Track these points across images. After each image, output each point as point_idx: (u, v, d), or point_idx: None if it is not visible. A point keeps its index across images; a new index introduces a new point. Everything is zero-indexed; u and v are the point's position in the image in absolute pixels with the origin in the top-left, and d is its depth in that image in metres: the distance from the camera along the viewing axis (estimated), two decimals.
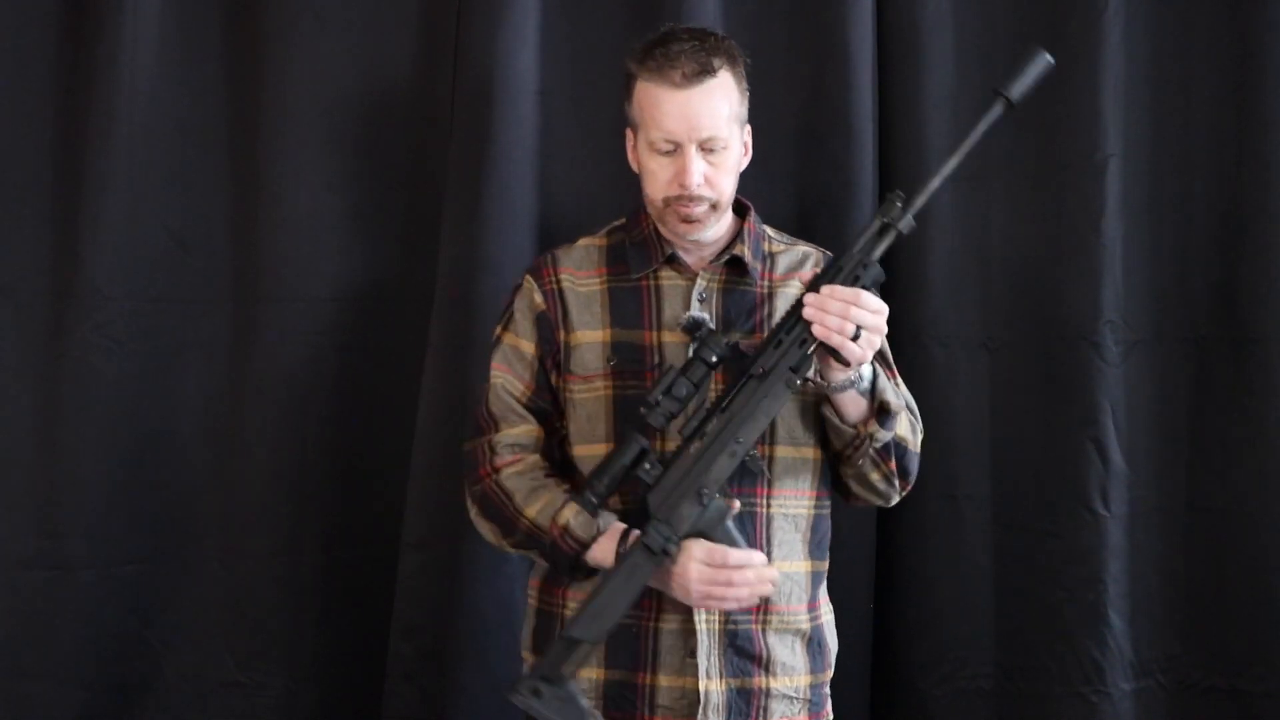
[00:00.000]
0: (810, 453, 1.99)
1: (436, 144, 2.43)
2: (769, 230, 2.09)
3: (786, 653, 1.98)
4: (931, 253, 2.51)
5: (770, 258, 2.05)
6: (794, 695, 1.99)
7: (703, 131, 1.91)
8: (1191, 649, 2.52)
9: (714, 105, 1.92)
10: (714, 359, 1.85)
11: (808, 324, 1.83)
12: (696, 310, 1.98)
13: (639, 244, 2.01)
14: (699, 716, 1.92)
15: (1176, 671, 2.52)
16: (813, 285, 1.86)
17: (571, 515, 1.90)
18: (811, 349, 1.84)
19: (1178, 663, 2.52)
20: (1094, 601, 2.47)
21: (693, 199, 1.93)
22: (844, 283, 1.84)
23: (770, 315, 2.00)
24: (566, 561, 1.91)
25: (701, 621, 1.93)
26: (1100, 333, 2.48)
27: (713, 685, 1.93)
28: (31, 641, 2.33)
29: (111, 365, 2.35)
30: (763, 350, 1.87)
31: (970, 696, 2.52)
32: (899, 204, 1.89)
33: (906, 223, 1.89)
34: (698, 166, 1.91)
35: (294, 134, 2.41)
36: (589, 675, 1.94)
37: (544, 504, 1.92)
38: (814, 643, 2.01)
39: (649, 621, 1.94)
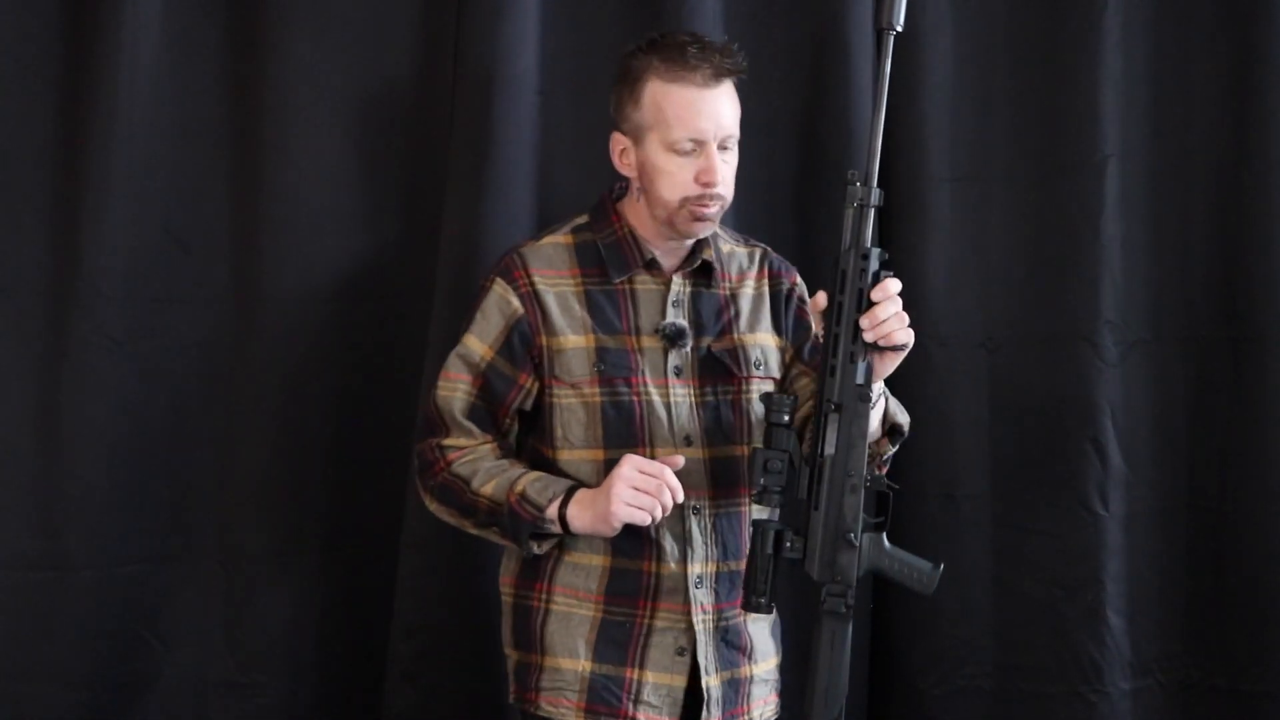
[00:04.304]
0: (747, 449, 2.04)
1: (436, 143, 2.43)
2: (718, 229, 2.10)
3: (763, 639, 2.05)
4: (931, 253, 2.52)
5: (726, 258, 2.08)
6: (768, 679, 2.06)
7: (726, 129, 1.97)
8: (1190, 649, 2.53)
9: (734, 105, 1.98)
10: (786, 419, 1.89)
11: (856, 341, 1.86)
12: (672, 316, 2.00)
13: (612, 246, 2.02)
14: (704, 713, 1.96)
15: (1175, 671, 2.53)
16: (831, 298, 1.88)
17: (528, 484, 1.93)
18: (865, 360, 1.88)
19: (1177, 662, 2.53)
20: (1093, 601, 2.48)
21: (713, 197, 1.95)
22: (859, 285, 1.86)
23: (736, 317, 2.04)
24: (527, 528, 1.92)
25: (699, 620, 1.97)
26: (1099, 333, 2.49)
27: (712, 680, 1.97)
28: (31, 641, 2.32)
29: (111, 365, 2.34)
30: (821, 383, 1.89)
31: (969, 696, 2.52)
32: (858, 182, 1.89)
33: (876, 196, 1.90)
34: (720, 164, 1.95)
35: (294, 134, 2.40)
36: (574, 667, 1.97)
37: (499, 480, 1.95)
38: (775, 625, 2.08)
39: (643, 619, 1.96)
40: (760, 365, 2.04)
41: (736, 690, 2.01)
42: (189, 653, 2.39)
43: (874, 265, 1.88)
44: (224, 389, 2.40)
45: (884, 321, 1.85)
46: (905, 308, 1.88)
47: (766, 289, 2.09)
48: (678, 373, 1.99)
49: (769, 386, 2.04)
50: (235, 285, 2.41)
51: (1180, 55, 2.54)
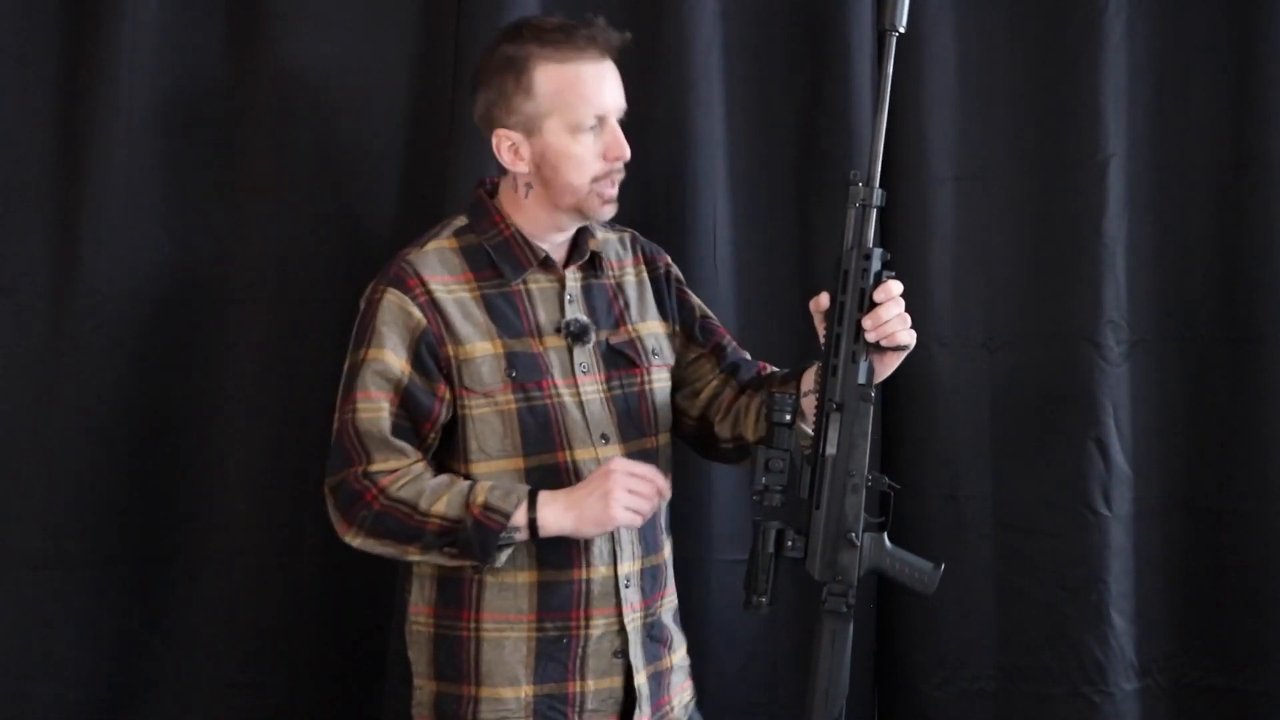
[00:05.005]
0: (668, 438, 2.06)
1: (436, 142, 2.43)
2: None
3: (675, 629, 2.07)
4: (932, 252, 2.51)
5: (603, 246, 2.07)
6: (683, 665, 2.08)
7: (622, 100, 1.96)
8: (1190, 648, 2.52)
9: (619, 77, 1.96)
10: (787, 418, 1.87)
11: (858, 341, 1.87)
12: (570, 313, 1.99)
13: (501, 247, 1.97)
14: (636, 712, 1.96)
15: (1174, 671, 2.52)
16: (833, 298, 1.89)
17: (487, 493, 1.86)
18: (867, 360, 1.89)
19: (1175, 662, 2.52)
20: (1096, 601, 2.47)
21: (618, 172, 1.95)
22: (861, 285, 1.87)
23: (626, 307, 2.04)
24: (495, 539, 1.85)
25: (630, 620, 1.97)
26: (1102, 332, 2.49)
27: (641, 678, 1.98)
28: (31, 641, 2.32)
29: (111, 365, 2.34)
30: (824, 383, 1.89)
31: (972, 698, 2.52)
32: (860, 182, 1.90)
33: (878, 196, 1.90)
34: (622, 135, 1.94)
35: (294, 134, 2.40)
36: (516, 694, 1.93)
37: (449, 497, 1.87)
38: (675, 612, 2.10)
39: (578, 630, 1.95)
40: (657, 354, 2.05)
41: (660, 682, 2.01)
42: (189, 653, 2.39)
43: (876, 265, 1.88)
44: (224, 388, 2.40)
45: (887, 322, 1.86)
46: (907, 308, 1.89)
47: (645, 275, 2.09)
48: (584, 370, 1.97)
49: (665, 374, 2.05)
50: (235, 285, 2.41)
51: (1182, 55, 2.54)
